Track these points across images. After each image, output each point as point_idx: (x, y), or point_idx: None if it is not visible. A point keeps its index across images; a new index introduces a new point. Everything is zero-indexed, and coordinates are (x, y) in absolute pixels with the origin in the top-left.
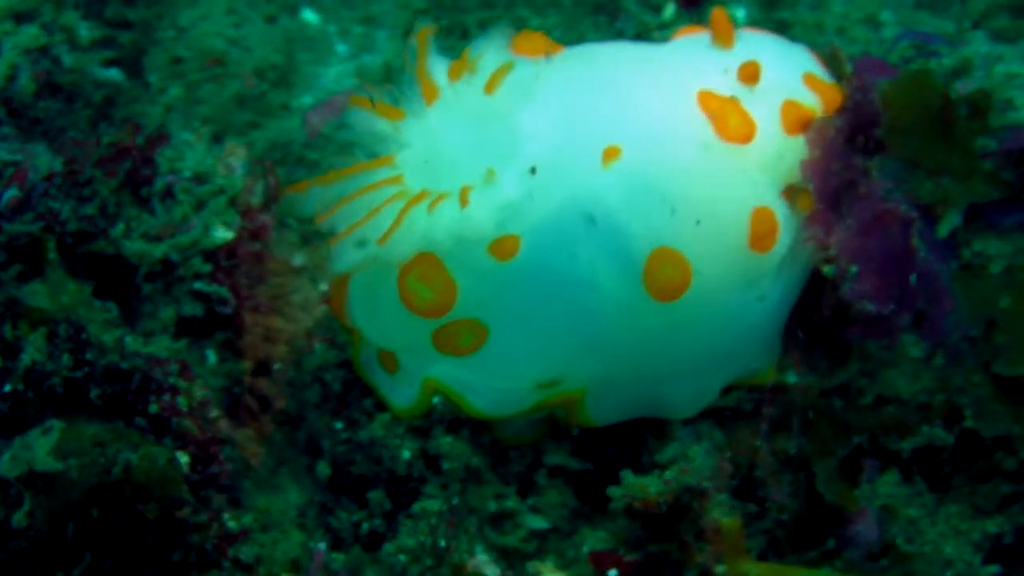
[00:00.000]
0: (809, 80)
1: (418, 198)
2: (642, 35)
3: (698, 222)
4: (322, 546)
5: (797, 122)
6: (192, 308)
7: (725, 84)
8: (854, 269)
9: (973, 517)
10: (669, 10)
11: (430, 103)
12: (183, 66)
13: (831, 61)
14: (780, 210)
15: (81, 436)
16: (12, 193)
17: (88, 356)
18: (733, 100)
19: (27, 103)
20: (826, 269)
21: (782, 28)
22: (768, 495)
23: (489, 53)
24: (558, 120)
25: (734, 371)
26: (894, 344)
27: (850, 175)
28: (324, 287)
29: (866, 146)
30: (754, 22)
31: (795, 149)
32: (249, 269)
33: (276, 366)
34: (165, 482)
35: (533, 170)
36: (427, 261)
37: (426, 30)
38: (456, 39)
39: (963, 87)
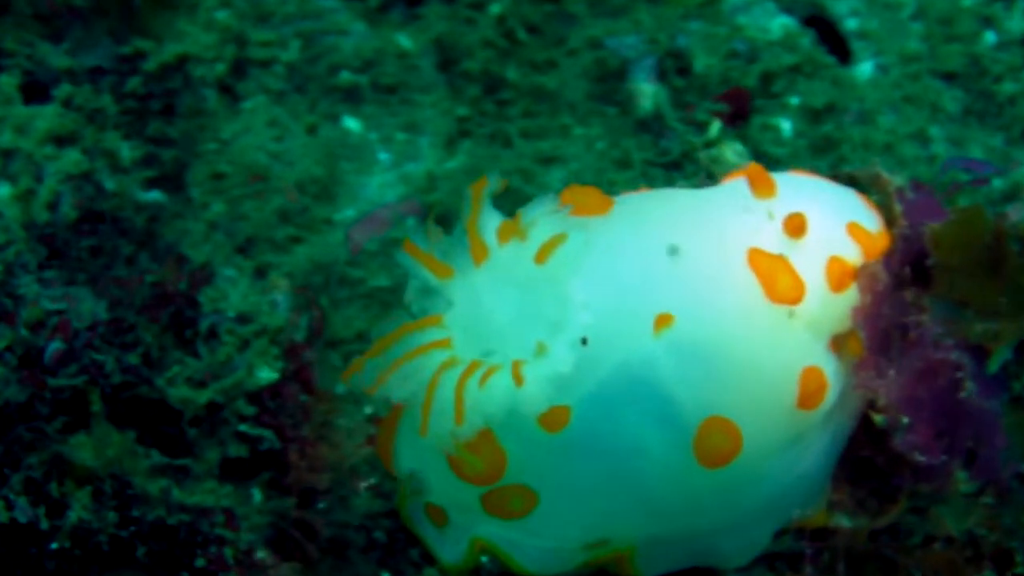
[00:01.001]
0: (853, 230)
1: (470, 369)
2: (688, 154)
3: (749, 388)
4: None
5: (841, 278)
6: (237, 450)
7: (772, 236)
8: (905, 420)
9: None
10: (715, 128)
11: (479, 263)
12: (225, 182)
13: (879, 194)
14: (827, 365)
15: None
16: (56, 346)
17: (134, 513)
18: (782, 259)
19: (69, 240)
20: (877, 419)
21: (829, 145)
22: None
23: (542, 220)
24: (608, 288)
25: (784, 519)
26: (946, 488)
27: (900, 319)
28: (368, 410)
29: (916, 289)
30: (800, 135)
31: (840, 305)
32: (294, 407)
33: (321, 504)
34: None
35: (584, 340)
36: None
37: (483, 182)
38: (500, 147)
39: (1014, 212)
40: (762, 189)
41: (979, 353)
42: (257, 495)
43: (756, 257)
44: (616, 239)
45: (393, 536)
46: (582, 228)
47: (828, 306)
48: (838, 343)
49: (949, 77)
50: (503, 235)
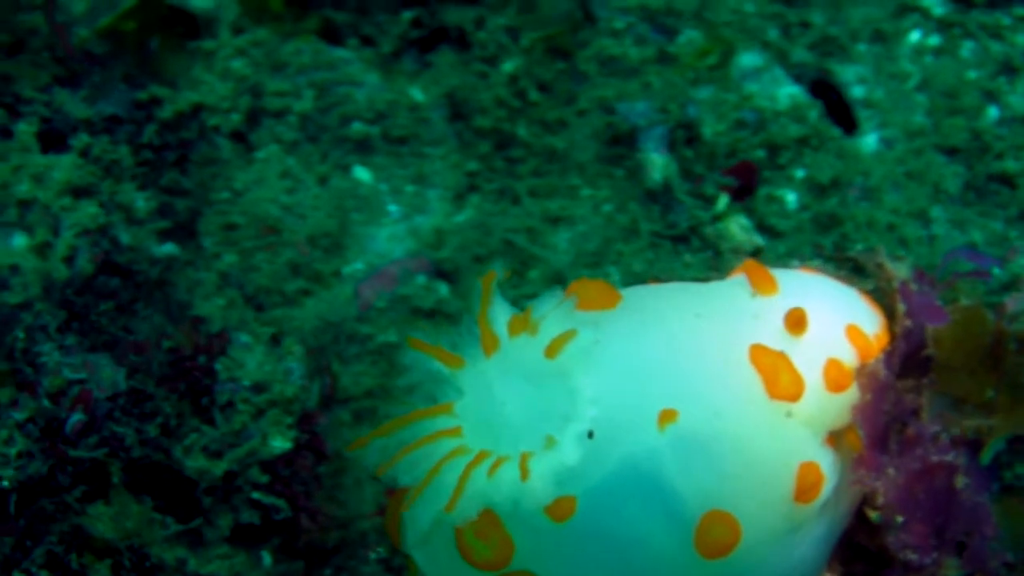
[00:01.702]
0: (851, 333)
1: (479, 458)
2: (695, 228)
3: (748, 482)
4: None
5: (839, 380)
6: (250, 516)
7: (773, 332)
8: (900, 519)
9: None
10: (722, 202)
11: (489, 354)
12: (237, 233)
13: (882, 282)
14: (824, 460)
15: None
16: (78, 417)
17: None
18: (783, 356)
19: (88, 303)
20: (873, 516)
21: (833, 222)
22: None
23: (552, 315)
24: (616, 383)
25: None
26: None
27: (899, 415)
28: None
29: (916, 386)
30: (804, 208)
31: (836, 404)
32: (307, 475)
33: (327, 572)
34: None
35: (591, 434)
36: (486, 518)
37: (492, 275)
38: (508, 203)
39: (1012, 303)
40: (762, 285)
41: (971, 447)
42: (267, 559)
43: (758, 354)
44: (624, 336)
45: None
46: (592, 324)
47: (825, 405)
48: (835, 438)
49: (951, 152)
50: (513, 329)
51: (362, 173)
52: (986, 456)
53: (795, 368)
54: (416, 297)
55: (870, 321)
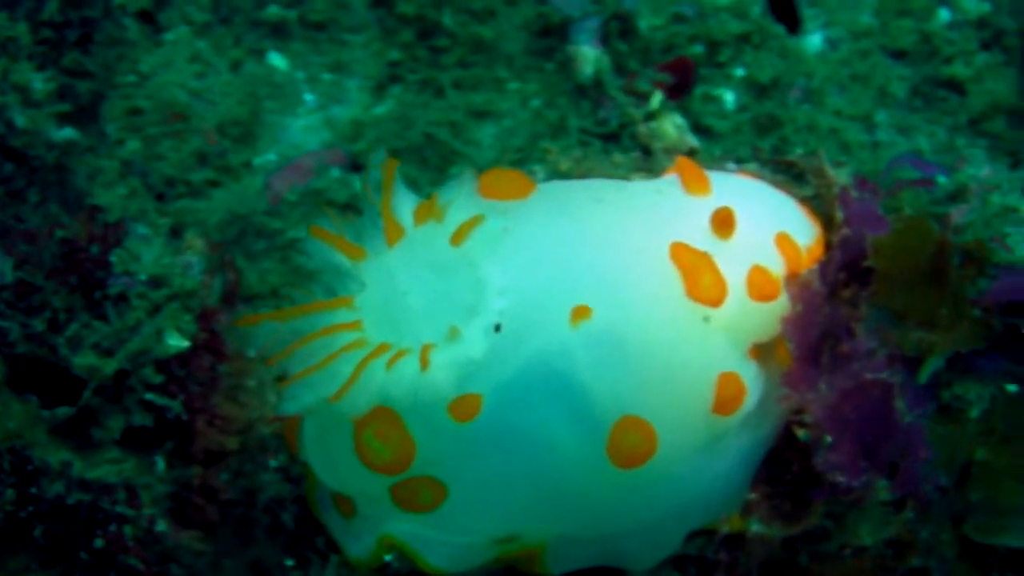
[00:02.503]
0: (781, 242)
1: (377, 351)
2: (626, 126)
3: (664, 388)
4: None
5: (763, 288)
6: (143, 418)
7: (698, 233)
8: (828, 439)
9: None
10: (656, 100)
11: (393, 244)
12: (142, 118)
13: (821, 188)
14: (746, 372)
15: None
16: None
17: (33, 491)
18: (706, 256)
19: None
20: (801, 434)
21: (773, 124)
22: None
23: (459, 201)
24: (526, 275)
25: (697, 522)
26: (864, 500)
27: (833, 329)
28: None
29: (852, 299)
30: (743, 109)
31: (759, 315)
32: (204, 376)
33: (223, 476)
34: None
35: (498, 327)
36: (385, 417)
37: (393, 163)
38: (431, 95)
39: (957, 214)
40: (694, 185)
41: (910, 363)
42: (160, 464)
43: (680, 251)
44: (536, 225)
45: (300, 522)
46: (502, 212)
47: (747, 314)
48: (761, 351)
49: (899, 55)
50: (419, 217)
51: (277, 59)
52: (924, 374)
53: (719, 271)
54: (330, 191)
55: (804, 232)
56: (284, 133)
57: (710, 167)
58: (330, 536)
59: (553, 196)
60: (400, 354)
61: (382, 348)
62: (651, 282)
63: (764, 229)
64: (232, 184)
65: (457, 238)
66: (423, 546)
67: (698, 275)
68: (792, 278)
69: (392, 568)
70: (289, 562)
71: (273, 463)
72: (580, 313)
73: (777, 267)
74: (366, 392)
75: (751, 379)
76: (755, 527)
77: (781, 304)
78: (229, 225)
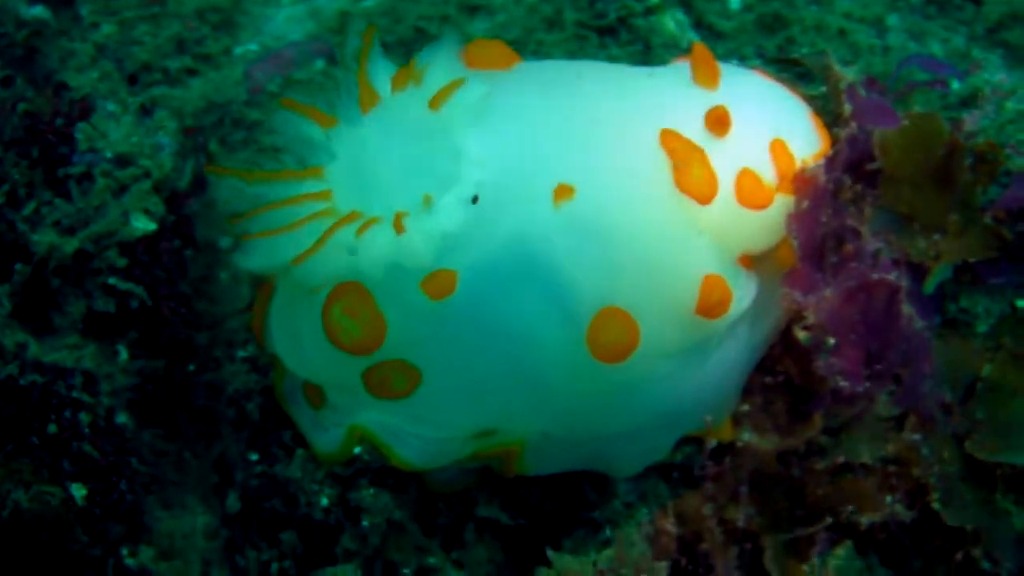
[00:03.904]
0: (776, 148)
1: (347, 219)
2: (625, 20)
3: (646, 281)
4: None
5: (751, 195)
6: (104, 304)
7: (694, 127)
8: (832, 341)
9: None
10: None
11: (367, 112)
12: (119, 1)
13: (828, 87)
14: (734, 279)
15: None
16: None
17: None
18: (700, 149)
19: None
20: (801, 336)
21: (778, 23)
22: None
23: (438, 64)
24: (508, 147)
25: (684, 429)
26: (864, 415)
27: (838, 229)
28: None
29: (857, 198)
30: (748, 8)
31: (747, 223)
32: (171, 261)
33: (191, 367)
34: (57, 523)
35: (475, 199)
36: (354, 292)
37: (372, 30)
38: None
39: (970, 120)
40: (704, 76)
41: (916, 272)
42: (123, 353)
43: (670, 138)
44: (521, 96)
45: (267, 415)
46: (485, 80)
47: (734, 220)
48: (753, 260)
49: None
50: (396, 84)
51: None
52: (930, 284)
53: (711, 166)
54: (313, 83)
55: (807, 143)
56: (267, 24)
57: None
58: (297, 430)
59: (541, 70)
60: (371, 222)
61: (352, 216)
62: (639, 166)
63: (761, 133)
64: (211, 72)
65: (435, 103)
66: (395, 439)
67: (688, 166)
68: (802, 171)
69: (361, 462)
70: (253, 456)
71: (241, 353)
72: (563, 192)
73: (768, 174)
74: (332, 260)
75: (739, 286)
76: (747, 436)
77: (771, 215)
78: (205, 113)
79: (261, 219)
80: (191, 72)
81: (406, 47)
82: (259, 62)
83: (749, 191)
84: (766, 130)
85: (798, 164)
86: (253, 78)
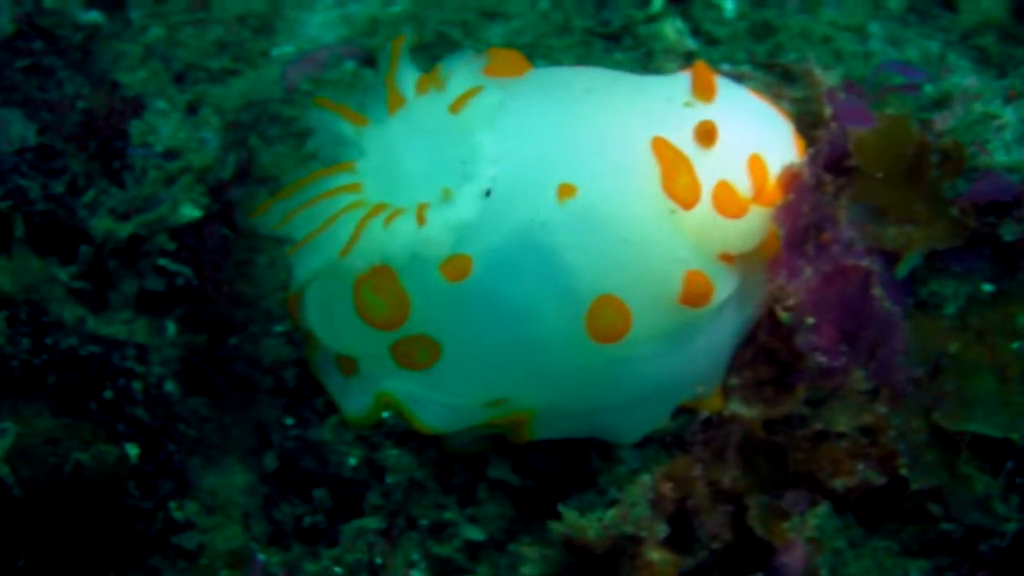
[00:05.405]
0: (753, 164)
1: (376, 210)
2: (628, 28)
3: (637, 272)
4: (261, 557)
5: (726, 205)
6: (155, 283)
7: (683, 138)
8: (810, 321)
9: (899, 555)
10: (658, 3)
11: (394, 113)
12: (166, 7)
13: (810, 91)
14: (714, 273)
15: (34, 434)
16: None
17: (48, 341)
18: (687, 159)
19: (4, 59)
20: (783, 316)
21: (768, 31)
22: (701, 526)
23: (459, 72)
24: (519, 146)
25: (677, 400)
26: (843, 386)
27: (818, 219)
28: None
29: (836, 192)
30: (741, 17)
31: (723, 229)
32: (215, 245)
33: (232, 340)
34: (113, 479)
35: (488, 192)
36: (382, 274)
37: (402, 39)
38: None
39: (940, 120)
40: (701, 90)
41: (889, 259)
42: (171, 328)
43: (660, 146)
44: (532, 101)
45: (301, 383)
46: (501, 85)
47: (712, 226)
48: (740, 256)
49: None
50: (421, 88)
51: None
52: (902, 269)
53: (695, 175)
54: (343, 83)
55: (784, 160)
56: (302, 28)
57: (727, 76)
58: (328, 397)
59: (550, 76)
60: (397, 212)
61: (379, 208)
62: (633, 170)
63: (742, 149)
64: (249, 72)
65: (456, 106)
66: (418, 405)
67: (676, 173)
68: (787, 168)
69: (386, 426)
70: (289, 420)
71: (278, 328)
72: (566, 191)
73: (744, 187)
74: (366, 249)
75: (720, 280)
76: (736, 408)
77: (745, 224)
78: (245, 110)
79: (300, 221)
80: (232, 72)
81: (429, 50)
82: (294, 63)
83: (725, 201)
84: (747, 146)
85: (772, 179)
86: (288, 78)
